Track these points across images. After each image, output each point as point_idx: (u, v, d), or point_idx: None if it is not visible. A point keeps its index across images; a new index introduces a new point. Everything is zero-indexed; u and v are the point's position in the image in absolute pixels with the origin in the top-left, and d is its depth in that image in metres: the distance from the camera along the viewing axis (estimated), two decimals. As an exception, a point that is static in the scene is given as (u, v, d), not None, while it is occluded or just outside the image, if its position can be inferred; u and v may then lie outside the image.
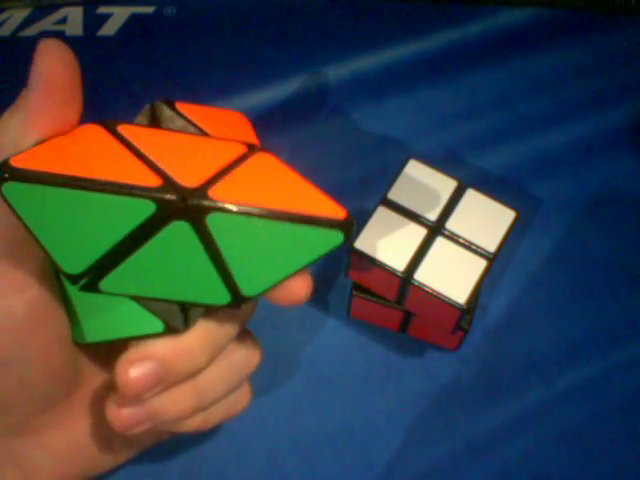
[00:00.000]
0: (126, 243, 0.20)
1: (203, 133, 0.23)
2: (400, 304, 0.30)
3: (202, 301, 0.22)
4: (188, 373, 0.23)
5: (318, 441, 0.32)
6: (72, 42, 0.44)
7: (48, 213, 0.19)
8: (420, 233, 0.29)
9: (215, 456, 0.31)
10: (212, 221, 0.20)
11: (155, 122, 0.23)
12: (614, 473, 0.31)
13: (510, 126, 0.39)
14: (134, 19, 0.42)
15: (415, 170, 0.31)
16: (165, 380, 0.23)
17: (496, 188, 0.31)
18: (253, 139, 0.24)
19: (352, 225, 0.21)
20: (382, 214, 0.30)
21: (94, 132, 0.21)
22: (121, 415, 0.23)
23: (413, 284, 0.28)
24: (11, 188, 0.19)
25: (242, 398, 0.27)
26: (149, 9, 0.43)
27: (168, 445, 0.31)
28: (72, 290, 0.23)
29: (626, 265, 0.36)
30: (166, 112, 0.23)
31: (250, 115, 0.26)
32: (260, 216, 0.20)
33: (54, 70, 0.21)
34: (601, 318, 0.34)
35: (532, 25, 0.43)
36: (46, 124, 0.20)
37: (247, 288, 0.22)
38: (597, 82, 0.41)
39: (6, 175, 0.19)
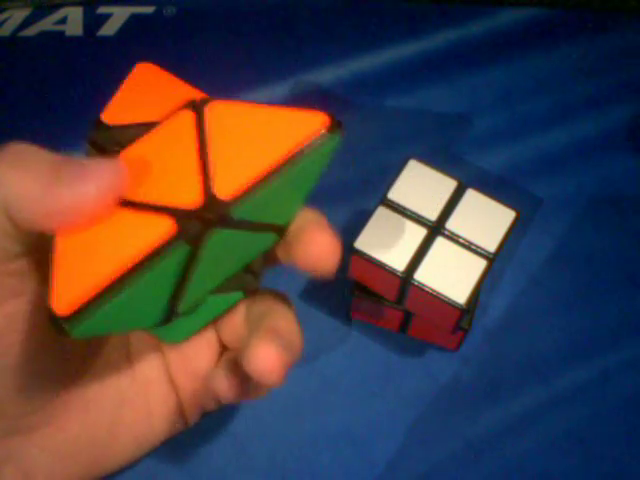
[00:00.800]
0: (183, 278, 0.21)
1: (151, 125, 0.22)
2: (400, 304, 0.30)
3: (258, 252, 0.23)
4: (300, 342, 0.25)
5: (318, 441, 0.32)
6: (72, 42, 0.45)
7: (112, 315, 0.20)
8: (420, 233, 0.29)
9: (215, 456, 0.31)
10: (238, 211, 0.20)
11: (104, 150, 0.23)
12: (614, 473, 0.31)
13: (510, 126, 0.39)
14: (134, 19, 0.42)
15: (415, 170, 0.31)
16: (294, 355, 0.24)
17: (496, 188, 0.31)
18: (173, 80, 0.24)
19: (339, 123, 0.22)
20: (382, 214, 0.30)
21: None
22: (232, 386, 0.23)
23: (413, 284, 0.28)
24: (77, 329, 0.19)
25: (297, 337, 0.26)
26: (149, 9, 0.43)
27: (168, 445, 0.31)
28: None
29: (626, 265, 0.36)
30: (104, 136, 0.23)
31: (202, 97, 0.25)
32: (273, 178, 0.21)
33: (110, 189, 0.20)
34: (601, 318, 0.34)
35: (532, 25, 0.43)
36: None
37: (281, 219, 0.23)
38: (597, 82, 0.41)
39: (69, 327, 0.19)
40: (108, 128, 0.23)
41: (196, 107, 0.22)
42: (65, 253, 0.19)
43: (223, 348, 0.27)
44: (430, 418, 0.32)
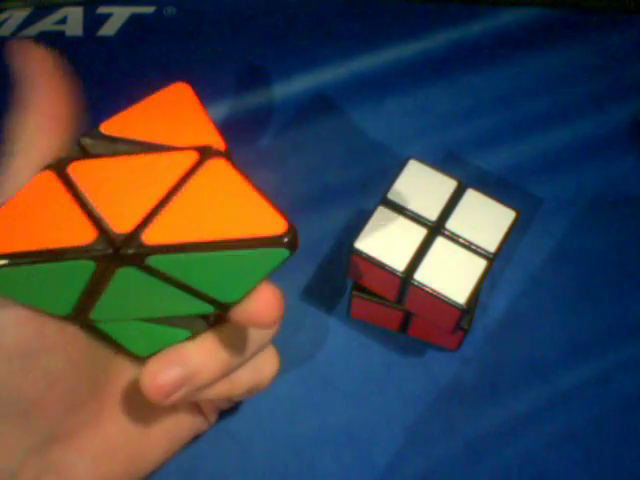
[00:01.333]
0: (89, 292, 0.21)
1: (150, 146, 0.23)
2: (400, 304, 0.30)
3: (191, 312, 0.23)
4: (213, 374, 0.24)
5: (318, 441, 0.32)
6: (72, 42, 0.45)
7: (17, 283, 0.20)
8: (420, 233, 0.29)
9: (215, 456, 0.31)
10: (153, 262, 0.20)
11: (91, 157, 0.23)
12: (614, 473, 0.31)
13: (510, 126, 0.39)
14: (134, 19, 0.42)
15: (415, 170, 0.31)
16: (191, 382, 0.23)
17: (496, 188, 0.31)
18: (199, 111, 0.24)
19: (295, 238, 0.21)
20: (382, 214, 0.30)
21: (46, 182, 0.21)
22: (157, 382, 0.23)
23: (413, 284, 0.28)
24: None
25: (268, 362, 0.27)
26: (149, 9, 0.43)
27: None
28: (107, 328, 0.24)
29: (626, 265, 0.36)
30: (96, 145, 0.23)
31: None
32: (195, 251, 0.20)
33: (41, 71, 0.22)
34: (601, 318, 0.34)
35: (532, 25, 0.43)
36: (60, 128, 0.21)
37: (225, 297, 0.22)
38: (597, 82, 0.41)
39: None
40: (101, 136, 0.23)
41: (203, 155, 0.22)
42: (19, 205, 0.21)
43: None
44: (430, 418, 0.32)
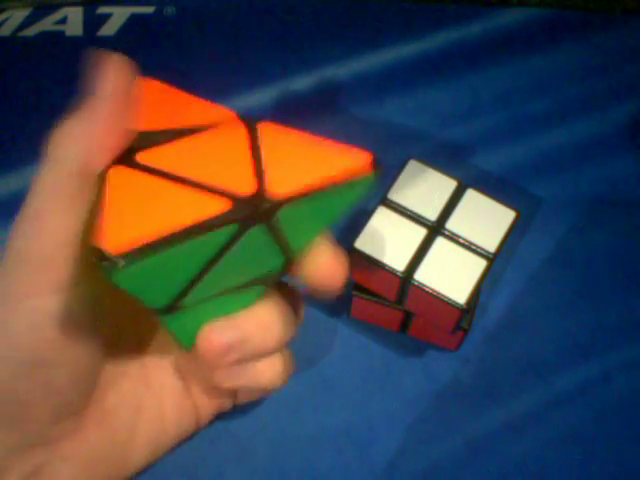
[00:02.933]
0: (209, 264, 0.21)
1: (188, 130, 0.23)
2: (400, 304, 0.30)
3: (262, 275, 0.24)
4: (264, 343, 0.24)
5: (318, 441, 0.32)
6: (72, 42, 0.45)
7: (146, 273, 0.20)
8: (420, 233, 0.29)
9: (215, 456, 0.31)
10: (282, 215, 0.21)
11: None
12: (614, 473, 0.31)
13: (510, 126, 0.39)
14: (134, 19, 0.42)
15: (415, 170, 0.31)
16: (244, 347, 0.24)
17: (496, 188, 0.31)
18: (184, 94, 0.24)
19: (378, 163, 0.22)
20: (382, 214, 0.30)
21: (126, 177, 0.21)
22: (212, 342, 0.24)
23: (413, 284, 0.28)
24: (124, 275, 0.19)
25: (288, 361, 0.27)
26: (149, 9, 0.43)
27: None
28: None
29: (626, 265, 0.36)
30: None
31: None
32: (315, 193, 0.22)
33: (120, 88, 0.22)
34: (601, 318, 0.34)
35: (532, 25, 0.43)
36: (113, 137, 0.21)
37: (297, 245, 0.23)
38: (597, 82, 0.41)
39: (121, 266, 0.19)
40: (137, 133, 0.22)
41: (248, 123, 0.23)
42: (117, 202, 0.20)
43: None
44: (430, 418, 0.32)
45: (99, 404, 0.25)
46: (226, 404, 0.29)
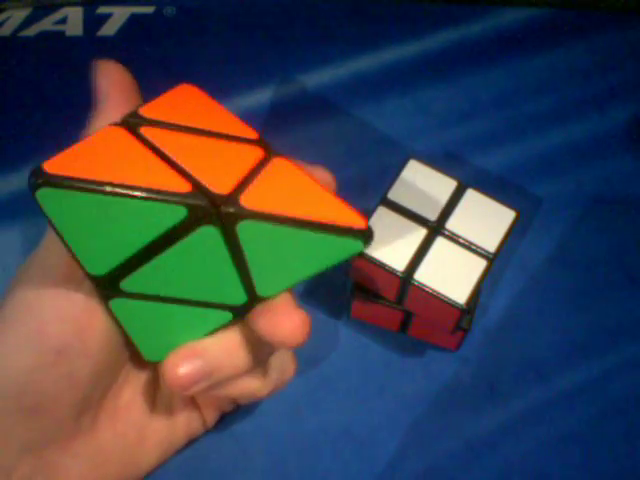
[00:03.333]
0: (153, 246, 0.21)
1: (203, 131, 0.23)
2: (400, 304, 0.30)
3: (219, 301, 0.23)
4: (233, 370, 0.24)
5: (318, 441, 0.32)
6: (72, 42, 0.45)
7: (79, 217, 0.20)
8: (420, 233, 0.29)
9: (215, 456, 0.31)
10: (242, 228, 0.20)
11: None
12: (614, 473, 0.31)
13: (510, 126, 0.39)
14: (134, 19, 0.42)
15: (415, 170, 0.31)
16: (211, 376, 0.24)
17: (496, 188, 0.31)
18: (217, 105, 0.24)
19: (371, 234, 0.21)
20: (382, 214, 0.30)
21: (119, 135, 0.21)
22: (177, 374, 0.23)
23: (413, 284, 0.28)
24: (45, 194, 0.19)
25: (291, 362, 0.27)
26: (149, 9, 0.43)
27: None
28: (125, 315, 0.23)
29: (626, 265, 0.36)
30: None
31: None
32: (288, 224, 0.21)
33: (115, 85, 0.23)
34: (601, 318, 0.34)
35: (532, 25, 0.43)
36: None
37: (263, 289, 0.23)
38: (597, 82, 0.41)
39: (40, 181, 0.19)
40: (145, 120, 0.22)
41: (267, 149, 0.23)
42: (88, 146, 0.20)
43: None
44: (430, 418, 0.32)
45: (112, 402, 0.26)
46: (227, 406, 0.29)
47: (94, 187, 0.19)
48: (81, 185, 0.19)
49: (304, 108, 0.40)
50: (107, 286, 0.22)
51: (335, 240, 0.21)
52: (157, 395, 0.27)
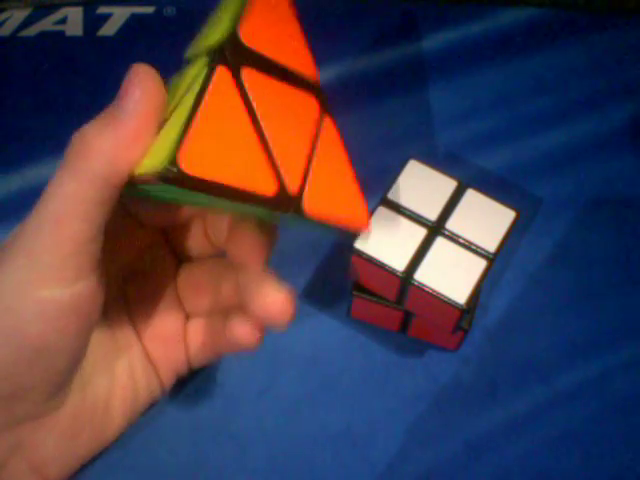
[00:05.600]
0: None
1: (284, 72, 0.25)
2: (400, 304, 0.30)
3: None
4: None
5: (318, 441, 0.32)
6: (72, 42, 0.45)
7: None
8: (420, 233, 0.29)
9: (215, 456, 0.31)
10: (291, 216, 0.24)
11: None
12: (614, 473, 0.31)
13: (510, 126, 0.39)
14: (134, 19, 0.42)
15: (415, 170, 0.31)
16: None
17: (496, 188, 0.31)
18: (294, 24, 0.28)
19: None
20: (382, 214, 0.30)
21: (225, 93, 0.22)
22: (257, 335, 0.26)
23: (413, 284, 0.28)
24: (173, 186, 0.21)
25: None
26: (149, 9, 0.43)
27: (168, 445, 0.31)
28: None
29: (626, 265, 0.36)
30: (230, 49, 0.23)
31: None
32: (316, 222, 0.25)
33: (150, 100, 0.22)
34: (601, 318, 0.34)
35: (532, 25, 0.43)
36: (138, 151, 0.22)
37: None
38: (597, 82, 0.41)
39: (172, 177, 0.20)
40: (242, 46, 0.23)
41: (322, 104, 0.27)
42: (206, 124, 0.21)
43: (187, 314, 0.30)
44: (430, 418, 0.32)
45: (80, 375, 0.26)
46: (183, 370, 0.30)
47: (210, 192, 0.21)
48: (203, 189, 0.21)
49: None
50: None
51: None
52: (118, 362, 0.28)
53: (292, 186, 0.23)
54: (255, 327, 0.26)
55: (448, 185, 0.30)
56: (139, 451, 0.31)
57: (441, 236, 0.29)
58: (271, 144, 0.23)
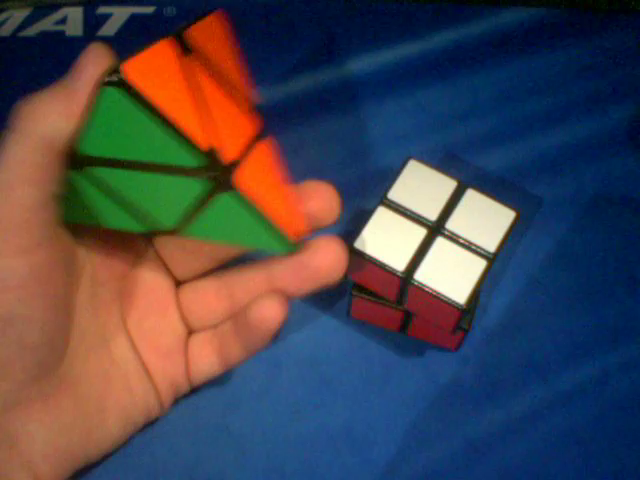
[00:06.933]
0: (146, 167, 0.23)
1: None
2: (400, 304, 0.30)
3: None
4: None
5: (318, 441, 0.32)
6: (72, 42, 0.45)
7: (119, 120, 0.22)
8: (420, 233, 0.29)
9: (215, 456, 0.31)
10: (222, 198, 0.23)
11: None
12: (614, 473, 0.31)
13: (510, 126, 0.39)
14: (134, 19, 0.42)
15: (415, 170, 0.31)
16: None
17: (496, 188, 0.31)
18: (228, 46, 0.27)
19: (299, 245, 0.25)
20: (382, 214, 0.30)
21: (170, 52, 0.23)
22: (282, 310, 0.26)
23: (413, 284, 0.28)
24: (112, 93, 0.21)
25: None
26: (149, 9, 0.43)
27: (168, 445, 0.31)
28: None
29: (626, 265, 0.36)
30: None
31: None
32: (248, 208, 0.24)
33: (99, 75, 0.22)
34: (601, 318, 0.34)
35: (532, 25, 0.43)
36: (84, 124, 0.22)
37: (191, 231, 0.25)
38: (597, 82, 0.41)
39: (116, 81, 0.21)
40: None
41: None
42: (153, 61, 0.23)
43: (191, 329, 0.29)
44: (430, 418, 0.32)
45: (70, 370, 0.26)
46: (183, 387, 0.29)
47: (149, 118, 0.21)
48: (142, 105, 0.21)
49: (304, 108, 0.40)
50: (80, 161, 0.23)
51: (270, 232, 0.24)
52: (112, 368, 0.27)
53: (226, 155, 0.23)
54: (280, 302, 0.26)
55: (448, 185, 0.30)
56: (139, 451, 0.31)
57: (441, 236, 0.29)
58: (211, 109, 0.23)
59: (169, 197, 0.24)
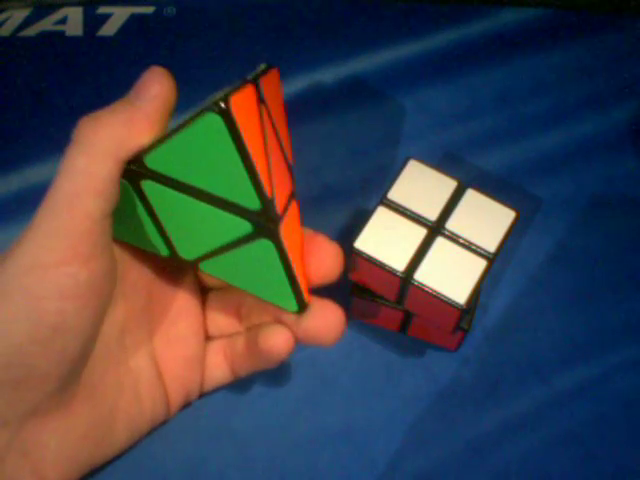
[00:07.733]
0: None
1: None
2: (400, 304, 0.30)
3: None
4: None
5: (318, 441, 0.32)
6: (72, 42, 0.45)
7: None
8: (420, 233, 0.29)
9: (215, 456, 0.31)
10: (262, 242, 0.24)
11: None
12: (614, 473, 0.31)
13: (510, 126, 0.39)
14: (134, 19, 0.42)
15: (415, 170, 0.31)
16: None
17: (496, 188, 0.31)
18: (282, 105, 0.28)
19: (305, 306, 0.27)
20: (382, 214, 0.30)
21: (253, 97, 0.24)
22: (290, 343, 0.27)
23: (413, 284, 0.28)
24: (211, 118, 0.22)
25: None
26: (149, 9, 0.43)
27: (168, 445, 0.31)
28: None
29: (626, 265, 0.36)
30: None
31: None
32: (283, 260, 0.25)
33: (166, 98, 0.23)
34: (601, 318, 0.34)
35: (532, 25, 0.43)
36: (147, 138, 0.23)
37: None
38: (597, 82, 0.41)
39: (223, 110, 0.22)
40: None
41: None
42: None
43: (208, 335, 0.30)
44: (430, 418, 0.32)
45: (88, 380, 0.26)
46: (194, 394, 0.30)
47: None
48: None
49: (304, 108, 0.40)
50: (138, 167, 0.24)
51: (284, 290, 0.26)
52: (126, 375, 0.27)
53: (278, 205, 0.24)
54: (289, 335, 0.27)
55: (448, 185, 0.30)
56: (139, 451, 0.31)
57: (441, 236, 0.29)
58: (271, 162, 0.24)
59: (208, 229, 0.25)
